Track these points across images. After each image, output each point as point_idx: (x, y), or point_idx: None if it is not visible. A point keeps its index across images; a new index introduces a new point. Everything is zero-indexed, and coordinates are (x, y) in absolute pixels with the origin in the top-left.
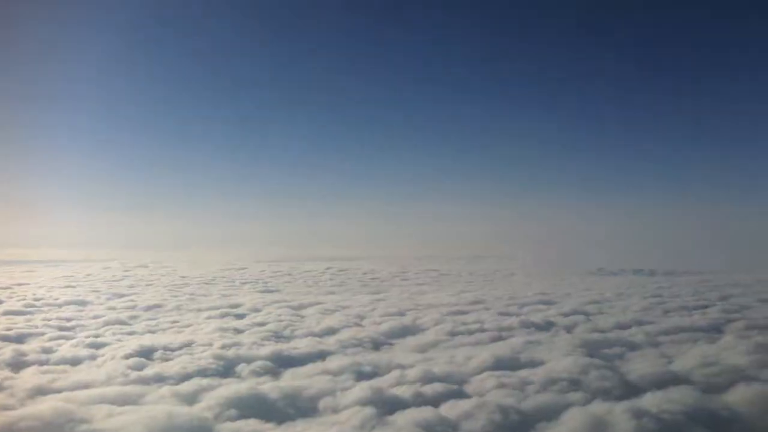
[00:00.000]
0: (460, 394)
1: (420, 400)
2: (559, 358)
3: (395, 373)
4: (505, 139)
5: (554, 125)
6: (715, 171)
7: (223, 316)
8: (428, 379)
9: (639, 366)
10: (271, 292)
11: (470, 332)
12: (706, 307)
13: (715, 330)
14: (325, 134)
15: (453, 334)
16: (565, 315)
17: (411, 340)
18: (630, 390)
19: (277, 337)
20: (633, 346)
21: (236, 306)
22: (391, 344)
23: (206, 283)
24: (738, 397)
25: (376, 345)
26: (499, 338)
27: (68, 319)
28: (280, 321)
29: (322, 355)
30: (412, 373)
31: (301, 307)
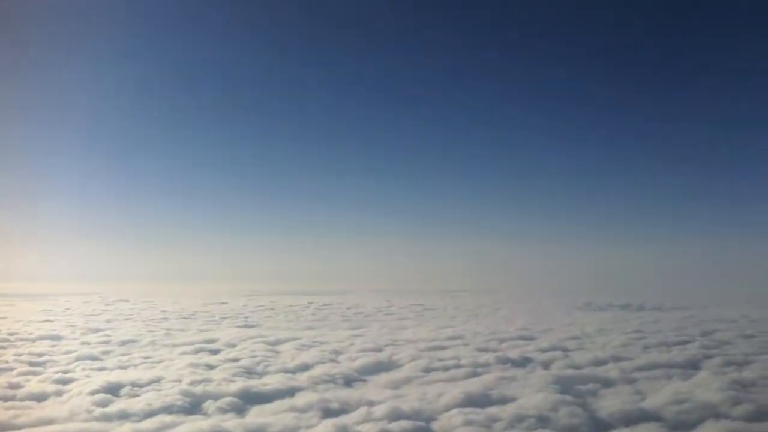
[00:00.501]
0: None
1: None
2: (531, 395)
3: (362, 410)
4: (497, 173)
5: (543, 158)
6: (710, 206)
7: (197, 351)
8: (396, 416)
9: (610, 403)
10: (250, 327)
11: (446, 368)
12: (686, 342)
13: (691, 366)
14: (311, 168)
15: (428, 370)
16: (544, 351)
17: (385, 377)
18: (598, 427)
19: (249, 373)
20: (608, 383)
21: (212, 341)
22: (364, 380)
23: (185, 318)
24: None
25: (349, 381)
26: (474, 374)
27: (40, 354)
28: (254, 357)
29: (291, 392)
30: (379, 410)
31: (278, 342)
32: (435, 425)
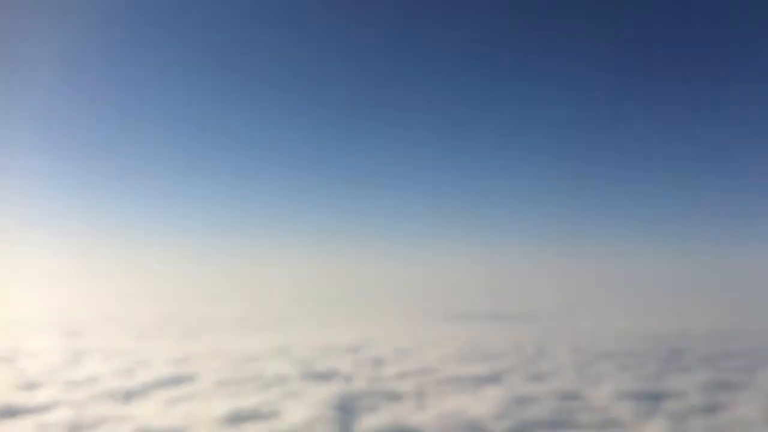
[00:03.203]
0: None
1: None
2: (298, 410)
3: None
4: (411, 186)
5: (454, 168)
6: (619, 219)
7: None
8: None
9: (378, 418)
10: (81, 336)
11: (241, 381)
12: (504, 355)
13: (492, 380)
14: (241, 193)
15: (223, 383)
16: (359, 363)
17: (172, 391)
18: None
19: (30, 385)
20: (395, 397)
21: (18, 351)
22: (147, 394)
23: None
24: None
25: (130, 396)
26: (269, 387)
27: None
28: (49, 366)
29: (50, 407)
30: (125, 429)
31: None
32: None
